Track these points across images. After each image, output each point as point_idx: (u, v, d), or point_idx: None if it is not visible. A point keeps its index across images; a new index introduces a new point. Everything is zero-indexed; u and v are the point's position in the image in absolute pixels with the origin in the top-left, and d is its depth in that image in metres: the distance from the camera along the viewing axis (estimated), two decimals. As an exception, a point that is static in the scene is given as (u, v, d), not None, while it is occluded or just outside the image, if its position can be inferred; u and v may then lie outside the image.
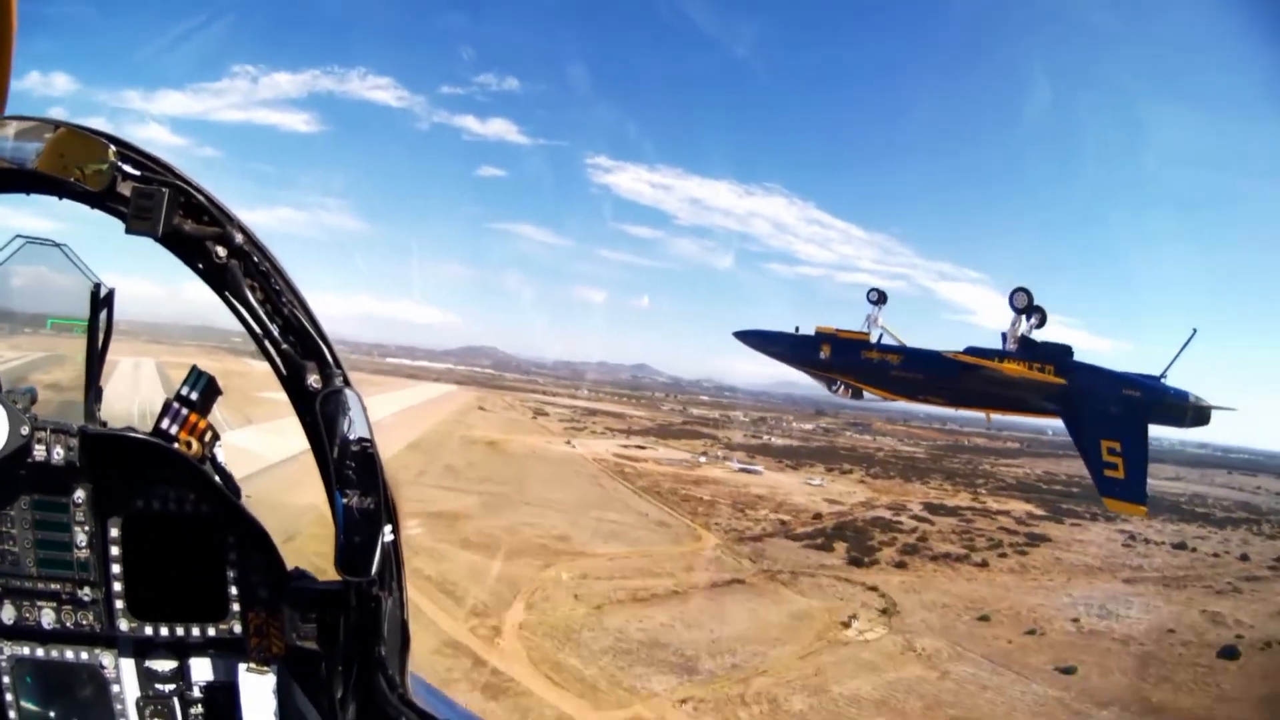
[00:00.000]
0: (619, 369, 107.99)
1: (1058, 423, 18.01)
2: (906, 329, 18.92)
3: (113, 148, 2.33)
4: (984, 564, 47.58)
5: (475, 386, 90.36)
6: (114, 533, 2.76)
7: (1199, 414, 15.29)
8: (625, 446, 70.31)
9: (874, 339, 18.26)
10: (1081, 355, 16.94)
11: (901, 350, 18.16)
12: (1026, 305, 16.37)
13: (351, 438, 2.41)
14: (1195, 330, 15.27)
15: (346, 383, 2.56)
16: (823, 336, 18.53)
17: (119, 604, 2.78)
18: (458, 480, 53.69)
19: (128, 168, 2.36)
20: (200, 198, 2.44)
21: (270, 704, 2.75)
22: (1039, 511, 56.36)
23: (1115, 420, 15.15)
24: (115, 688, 2.81)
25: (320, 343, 2.57)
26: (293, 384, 2.58)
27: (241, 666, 2.79)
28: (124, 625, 2.79)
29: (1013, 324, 16.64)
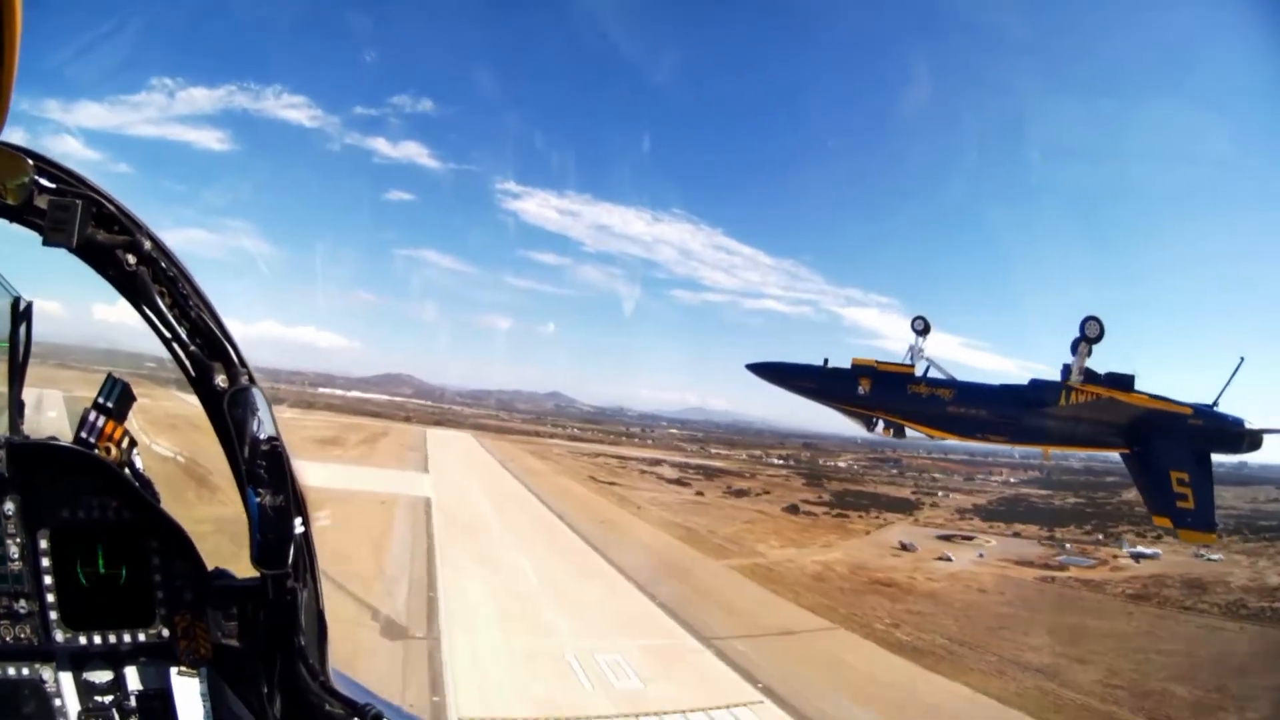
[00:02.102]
0: (536, 397, 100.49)
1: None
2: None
3: (31, 162, 2.42)
4: None
5: (481, 432, 74.50)
6: (43, 544, 2.80)
7: (1254, 439, 15.02)
8: (901, 551, 47.50)
9: (919, 372, 16.86)
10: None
11: (953, 384, 16.76)
12: (1099, 334, 15.35)
13: (261, 437, 2.50)
14: (1243, 359, 14.94)
15: (252, 381, 2.64)
16: (860, 369, 17.04)
17: (53, 615, 2.81)
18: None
19: (44, 181, 2.45)
20: (111, 207, 2.54)
21: (202, 706, 2.80)
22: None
23: (1183, 450, 14.65)
24: (57, 701, 2.82)
25: (226, 343, 2.65)
26: (201, 384, 2.65)
27: (173, 671, 2.84)
28: (59, 636, 2.81)
29: (1079, 353, 15.56)
